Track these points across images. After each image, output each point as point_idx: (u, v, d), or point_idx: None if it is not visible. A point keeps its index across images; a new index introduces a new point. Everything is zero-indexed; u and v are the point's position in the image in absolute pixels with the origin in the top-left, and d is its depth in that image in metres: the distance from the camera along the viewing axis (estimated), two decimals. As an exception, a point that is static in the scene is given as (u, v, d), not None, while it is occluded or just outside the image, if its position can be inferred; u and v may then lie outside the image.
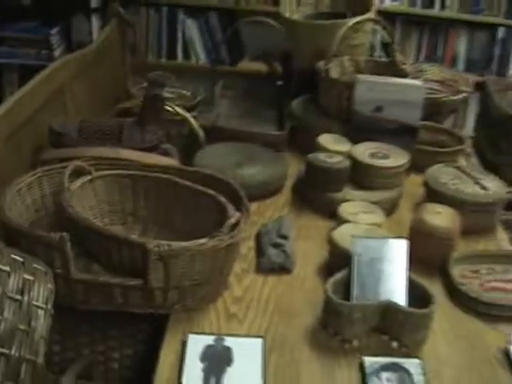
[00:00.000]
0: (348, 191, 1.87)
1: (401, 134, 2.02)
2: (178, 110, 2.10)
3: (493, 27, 3.78)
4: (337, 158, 1.87)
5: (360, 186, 1.90)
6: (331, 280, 1.42)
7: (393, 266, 1.44)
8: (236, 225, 1.42)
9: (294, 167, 2.06)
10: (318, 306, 1.44)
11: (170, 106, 2.08)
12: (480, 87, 3.03)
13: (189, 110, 2.20)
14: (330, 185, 1.85)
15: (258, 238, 1.71)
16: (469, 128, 3.64)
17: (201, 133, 2.11)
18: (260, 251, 1.65)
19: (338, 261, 1.51)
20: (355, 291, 1.40)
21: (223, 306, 1.48)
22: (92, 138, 1.84)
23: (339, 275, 1.44)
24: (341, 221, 1.66)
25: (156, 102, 1.87)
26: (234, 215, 1.44)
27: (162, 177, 1.62)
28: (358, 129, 2.05)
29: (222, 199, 1.51)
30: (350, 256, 1.44)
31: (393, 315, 1.37)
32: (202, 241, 1.35)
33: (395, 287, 1.42)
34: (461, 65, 3.84)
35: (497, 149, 2.48)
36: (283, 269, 1.60)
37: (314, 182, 1.87)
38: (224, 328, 1.41)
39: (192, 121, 2.11)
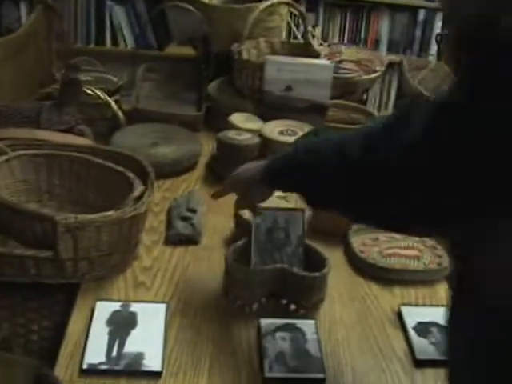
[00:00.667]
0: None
1: (310, 112, 2.14)
2: (99, 93, 2.18)
3: (414, 9, 3.90)
4: (246, 135, 1.97)
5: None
6: (231, 248, 1.52)
7: (291, 234, 1.54)
8: (141, 198, 1.51)
9: (208, 146, 2.16)
10: (222, 274, 1.54)
11: (91, 90, 2.16)
12: (397, 67, 3.17)
13: (112, 93, 2.28)
14: (239, 161, 1.94)
15: (169, 212, 1.80)
16: (389, 107, 3.78)
17: (121, 115, 2.19)
18: (169, 224, 1.74)
19: (242, 232, 1.62)
20: (253, 258, 1.51)
21: (132, 275, 1.57)
22: (11, 121, 1.91)
23: (240, 243, 1.53)
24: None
25: (73, 85, 1.95)
26: (138, 188, 1.53)
27: (75, 155, 1.70)
28: (270, 108, 2.16)
29: (130, 175, 1.60)
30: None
31: (289, 279, 1.47)
32: (108, 213, 1.44)
33: (292, 254, 1.52)
34: (383, 46, 3.95)
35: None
36: (190, 240, 1.69)
37: (224, 159, 1.97)
38: (131, 296, 1.51)
39: (112, 103, 2.20)
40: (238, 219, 1.68)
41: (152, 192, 1.56)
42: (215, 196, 1.54)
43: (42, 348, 1.63)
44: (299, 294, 1.49)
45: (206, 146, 2.16)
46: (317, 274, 1.48)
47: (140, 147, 1.98)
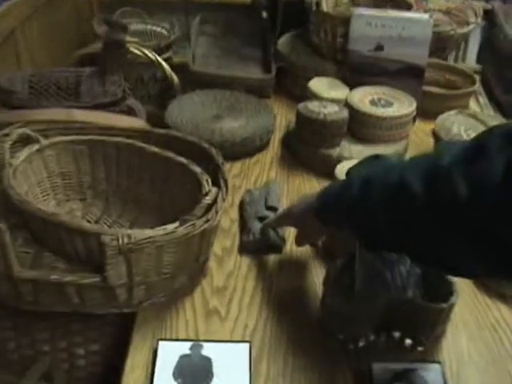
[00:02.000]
0: (345, 146, 1.60)
1: (405, 75, 1.75)
2: (147, 52, 1.81)
3: None
4: (332, 108, 1.59)
5: (359, 139, 1.63)
6: (329, 271, 1.17)
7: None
8: (213, 204, 1.16)
9: (281, 117, 1.80)
10: (314, 296, 1.21)
11: (138, 49, 1.79)
12: (486, 16, 2.72)
13: (163, 50, 1.92)
14: (324, 140, 1.58)
15: (242, 207, 1.45)
16: (470, 62, 3.32)
17: (175, 78, 1.83)
18: (244, 226, 1.39)
19: (338, 240, 1.27)
20: (358, 283, 1.15)
21: (201, 299, 1.23)
22: (45, 95, 1.57)
23: (339, 263, 1.18)
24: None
25: (117, 48, 1.59)
26: (210, 191, 1.17)
27: (124, 142, 1.35)
28: (356, 71, 1.77)
29: (197, 169, 1.25)
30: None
31: (405, 309, 1.13)
32: (171, 227, 1.09)
33: (407, 274, 1.16)
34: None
35: (505, 85, 2.19)
36: (273, 248, 1.34)
37: (306, 137, 1.60)
38: (202, 329, 1.17)
39: (164, 64, 1.83)
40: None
41: (226, 195, 1.20)
42: (298, 245, 1.31)
43: (92, 374, 1.34)
44: (418, 327, 1.14)
45: (279, 118, 1.79)
46: (444, 305, 1.12)
47: (202, 121, 1.63)
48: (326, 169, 1.53)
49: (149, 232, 1.07)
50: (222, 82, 1.85)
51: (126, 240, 1.05)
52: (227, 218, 1.44)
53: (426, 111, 1.76)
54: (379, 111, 1.61)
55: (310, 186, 1.56)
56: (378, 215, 0.93)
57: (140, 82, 1.90)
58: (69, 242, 1.14)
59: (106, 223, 1.32)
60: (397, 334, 1.17)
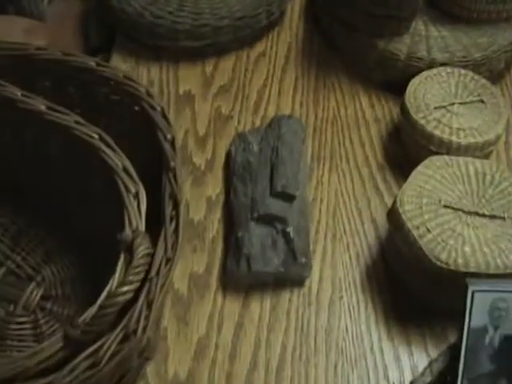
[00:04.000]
0: (420, 26, 0.90)
1: None
2: None
3: None
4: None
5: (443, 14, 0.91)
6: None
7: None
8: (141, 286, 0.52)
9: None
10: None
11: None
12: None
13: None
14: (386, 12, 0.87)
15: (229, 177, 0.80)
16: None
17: None
18: (230, 233, 0.75)
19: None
20: None
21: None
22: None
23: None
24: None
25: None
26: (136, 250, 0.53)
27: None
28: None
29: (122, 175, 0.59)
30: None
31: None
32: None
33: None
34: None
35: None
36: (289, 280, 0.72)
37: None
38: None
39: None
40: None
41: (176, 249, 0.55)
42: None
43: None
44: None
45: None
46: None
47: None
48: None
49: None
50: None
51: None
52: (200, 198, 0.79)
53: None
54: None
55: (361, 117, 0.89)
56: None
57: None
58: None
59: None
60: None
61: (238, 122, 0.87)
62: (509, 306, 0.57)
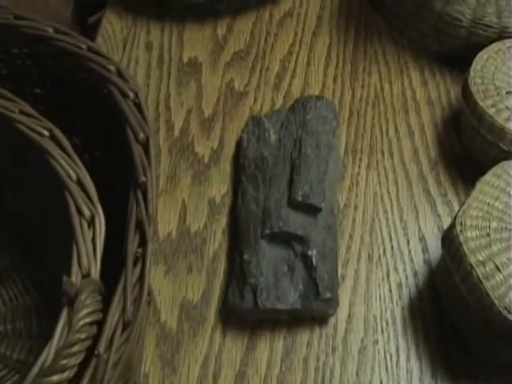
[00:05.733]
0: None
1: None
2: None
3: None
4: None
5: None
6: None
7: None
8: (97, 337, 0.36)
9: None
10: None
11: None
12: None
13: None
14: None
15: (238, 174, 0.63)
16: None
17: None
18: (234, 252, 0.58)
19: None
20: None
21: None
22: None
23: None
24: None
25: None
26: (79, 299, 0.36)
27: None
28: None
29: (75, 200, 0.42)
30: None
31: None
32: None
33: None
34: None
35: None
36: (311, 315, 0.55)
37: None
38: None
39: None
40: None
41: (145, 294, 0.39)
42: None
43: None
44: None
45: None
46: None
47: None
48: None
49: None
50: None
51: None
52: (201, 200, 0.62)
53: None
54: None
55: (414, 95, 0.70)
56: None
57: None
58: None
59: None
60: None
61: (254, 101, 0.69)
62: None
